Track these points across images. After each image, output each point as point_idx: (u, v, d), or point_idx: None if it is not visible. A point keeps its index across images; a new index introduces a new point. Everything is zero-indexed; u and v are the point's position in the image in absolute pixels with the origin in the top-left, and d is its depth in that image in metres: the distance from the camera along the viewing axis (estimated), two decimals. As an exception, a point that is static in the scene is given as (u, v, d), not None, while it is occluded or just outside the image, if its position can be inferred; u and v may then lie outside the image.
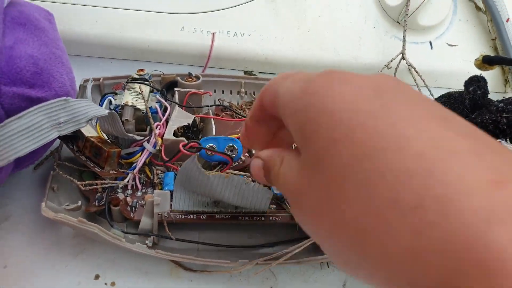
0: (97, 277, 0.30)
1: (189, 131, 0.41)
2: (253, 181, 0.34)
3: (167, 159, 0.35)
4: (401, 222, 0.13)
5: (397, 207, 0.13)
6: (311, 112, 0.17)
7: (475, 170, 0.13)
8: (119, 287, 0.30)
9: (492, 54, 0.49)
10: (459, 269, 0.12)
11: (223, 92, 0.45)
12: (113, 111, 0.32)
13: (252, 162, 0.22)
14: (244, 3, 0.47)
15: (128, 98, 0.38)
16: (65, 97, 0.30)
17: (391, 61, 0.45)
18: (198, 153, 0.30)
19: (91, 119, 0.32)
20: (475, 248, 0.12)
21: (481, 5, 0.52)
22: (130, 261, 0.31)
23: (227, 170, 0.34)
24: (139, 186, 0.34)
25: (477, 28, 0.50)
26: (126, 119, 0.36)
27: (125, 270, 0.31)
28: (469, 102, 0.35)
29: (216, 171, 0.33)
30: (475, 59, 0.41)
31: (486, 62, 0.38)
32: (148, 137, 0.36)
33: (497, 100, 0.34)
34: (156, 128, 0.36)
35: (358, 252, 0.15)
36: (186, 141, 0.36)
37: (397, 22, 0.49)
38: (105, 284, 0.30)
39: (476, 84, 0.35)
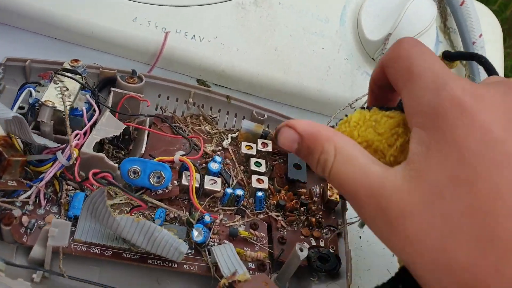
0: None
1: (119, 139, 0.36)
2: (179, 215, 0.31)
3: (80, 176, 0.30)
4: None
5: None
6: (439, 139, 0.17)
7: None
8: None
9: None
10: None
11: (168, 98, 0.41)
12: (18, 115, 0.27)
13: (283, 130, 0.21)
14: (209, 4, 0.42)
15: (51, 93, 0.33)
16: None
17: (356, 100, 0.41)
18: (108, 186, 0.26)
19: (-11, 121, 0.26)
20: None
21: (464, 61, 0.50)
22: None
23: (145, 211, 0.30)
24: (43, 202, 0.29)
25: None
26: (42, 120, 0.31)
27: None
28: None
29: (130, 211, 0.29)
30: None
31: (446, 58, 0.38)
32: (65, 145, 0.31)
33: None
34: (75, 137, 0.32)
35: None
36: (106, 158, 0.31)
37: (372, 58, 0.45)
38: (-28, 322, 0.25)
39: None
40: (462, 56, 0.37)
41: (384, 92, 0.23)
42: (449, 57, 0.36)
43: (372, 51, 0.45)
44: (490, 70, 0.28)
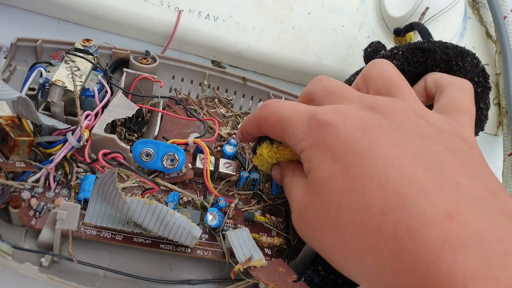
0: None
1: (131, 122, 0.35)
2: (189, 199, 0.29)
3: (90, 158, 0.29)
4: (385, 246, 0.17)
5: (381, 233, 0.17)
6: (317, 151, 0.21)
7: (436, 204, 0.17)
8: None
9: (494, 90, 0.45)
10: (424, 284, 0.16)
11: (182, 80, 0.39)
12: (23, 96, 0.26)
13: (274, 167, 0.29)
14: (225, -18, 0.40)
15: (62, 73, 0.32)
16: (-39, 70, 0.24)
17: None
18: (118, 167, 0.25)
19: (-5, 100, 0.26)
20: (433, 271, 0.15)
21: (492, 32, 0.47)
22: (20, 280, 0.26)
23: (158, 195, 0.29)
24: (53, 185, 0.28)
25: (482, 58, 0.44)
26: (52, 101, 0.30)
27: None
28: (364, 60, 0.36)
29: (142, 193, 0.28)
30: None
31: (397, 34, 0.40)
32: (75, 126, 0.30)
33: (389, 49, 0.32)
34: (86, 118, 0.30)
35: (357, 265, 0.19)
36: (118, 140, 0.30)
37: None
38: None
39: (369, 46, 0.35)
40: (406, 29, 0.38)
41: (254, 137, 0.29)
42: (397, 32, 0.39)
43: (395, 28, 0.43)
44: (424, 34, 0.33)
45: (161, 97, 0.36)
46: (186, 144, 0.33)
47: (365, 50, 0.35)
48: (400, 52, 0.29)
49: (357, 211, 0.19)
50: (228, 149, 0.33)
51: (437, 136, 0.21)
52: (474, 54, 0.30)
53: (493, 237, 0.16)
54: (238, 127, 0.36)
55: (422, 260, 0.16)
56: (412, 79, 0.30)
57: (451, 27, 0.42)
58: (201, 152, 0.33)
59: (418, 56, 0.29)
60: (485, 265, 0.15)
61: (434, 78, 0.28)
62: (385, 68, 0.25)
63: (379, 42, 0.34)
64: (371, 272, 0.18)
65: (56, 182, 0.29)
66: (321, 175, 0.21)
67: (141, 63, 0.36)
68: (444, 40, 0.31)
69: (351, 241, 0.19)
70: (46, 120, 0.29)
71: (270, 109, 0.25)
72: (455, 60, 0.29)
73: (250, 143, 0.34)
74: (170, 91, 0.39)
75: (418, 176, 0.18)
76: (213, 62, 0.42)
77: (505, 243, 0.15)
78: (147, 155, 0.29)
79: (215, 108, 0.39)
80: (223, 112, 0.39)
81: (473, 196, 0.17)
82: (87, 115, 0.31)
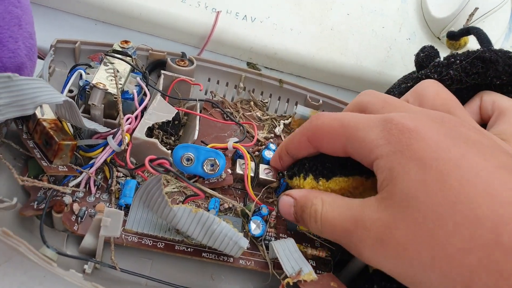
0: None
1: (169, 125, 0.35)
2: (230, 205, 0.29)
3: (133, 162, 0.29)
4: (505, 260, 0.16)
5: (501, 247, 0.16)
6: (399, 158, 0.19)
7: None
8: (41, 317, 0.24)
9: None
10: None
11: (218, 82, 0.39)
12: (69, 99, 0.25)
13: (282, 199, 0.25)
14: (262, -18, 0.39)
15: (101, 75, 0.31)
16: (9, 74, 0.23)
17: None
18: (165, 174, 0.24)
19: (40, 105, 0.25)
20: None
21: None
22: (64, 284, 0.25)
23: (198, 201, 0.28)
24: (93, 189, 0.28)
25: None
26: (93, 103, 0.30)
27: None
28: (416, 66, 0.34)
29: (184, 200, 0.27)
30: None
31: (450, 38, 0.37)
32: (115, 129, 0.30)
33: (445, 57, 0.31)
34: (127, 121, 0.30)
35: (466, 285, 0.17)
36: (159, 144, 0.29)
37: (438, 38, 0.41)
38: (25, 311, 0.24)
39: (421, 50, 0.33)
40: (461, 33, 0.36)
41: (292, 159, 0.28)
42: (451, 36, 0.37)
43: (437, 29, 0.41)
44: (483, 41, 0.31)
45: (199, 100, 0.35)
46: (225, 148, 0.32)
47: (417, 55, 0.33)
48: (458, 61, 0.28)
49: (463, 222, 0.17)
50: (267, 154, 0.32)
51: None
52: None
53: None
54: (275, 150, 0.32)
55: None
56: (468, 91, 0.28)
57: (497, 28, 0.41)
58: (240, 157, 0.32)
59: (478, 66, 0.27)
60: None
61: (493, 99, 0.26)
62: (442, 90, 0.25)
63: (432, 47, 0.32)
64: None
65: (96, 187, 0.28)
66: (410, 185, 0.19)
67: (179, 65, 0.36)
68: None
69: (459, 257, 0.17)
70: (88, 124, 0.28)
71: (327, 118, 0.23)
72: None
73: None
74: (205, 94, 0.39)
75: None
76: (248, 64, 0.41)
77: None
78: (188, 159, 0.29)
79: (250, 111, 0.39)
80: (259, 115, 0.38)
81: None
82: (128, 118, 0.30)
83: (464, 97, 0.29)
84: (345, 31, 0.40)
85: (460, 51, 0.32)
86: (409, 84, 0.31)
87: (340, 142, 0.23)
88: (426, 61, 0.31)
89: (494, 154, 0.19)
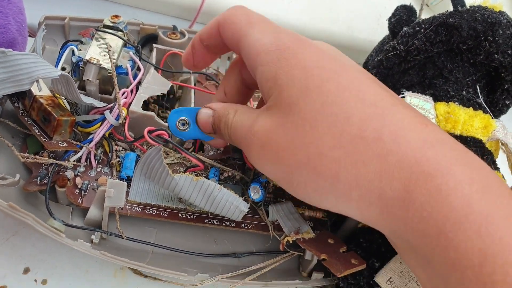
0: (26, 270, 0.25)
1: (164, 99, 0.35)
2: (230, 177, 0.29)
3: (131, 136, 0.29)
4: (368, 150, 0.18)
5: (364, 140, 0.18)
6: (285, 65, 0.20)
7: (409, 116, 0.19)
8: (50, 286, 0.25)
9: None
10: (413, 177, 0.18)
11: (211, 55, 0.39)
12: (66, 74, 0.26)
13: (200, 111, 0.25)
14: (250, -49, 0.39)
15: (94, 51, 0.31)
16: (3, 49, 0.23)
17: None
18: (164, 144, 0.24)
19: (37, 80, 0.25)
20: (419, 163, 0.18)
21: None
22: (70, 255, 0.26)
23: (198, 171, 0.29)
24: (94, 163, 0.29)
25: None
26: (87, 79, 0.30)
27: (62, 266, 0.26)
28: (389, 33, 0.32)
29: (185, 171, 0.28)
30: None
31: None
32: (112, 104, 0.30)
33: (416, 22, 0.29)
34: (122, 95, 0.30)
35: (333, 177, 0.19)
36: (156, 117, 0.30)
37: (427, 5, 0.41)
38: (35, 281, 0.25)
39: (392, 14, 0.32)
40: None
41: (205, 53, 0.26)
42: None
43: (427, -5, 0.41)
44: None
45: (193, 72, 0.35)
46: (222, 119, 0.32)
47: (389, 21, 0.32)
48: (423, 30, 0.27)
49: (335, 122, 0.19)
50: (263, 123, 0.33)
51: None
52: (509, 22, 0.28)
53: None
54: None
55: (408, 157, 0.18)
56: (438, 57, 0.28)
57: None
58: (236, 127, 0.32)
59: (442, 34, 0.27)
60: (457, 154, 0.18)
61: None
62: None
63: (404, 8, 0.31)
64: (351, 180, 0.18)
65: (96, 161, 0.29)
66: (292, 93, 0.20)
67: (170, 38, 0.36)
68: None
69: (329, 153, 0.19)
70: (85, 99, 0.29)
71: (240, 10, 0.23)
72: (484, 35, 0.27)
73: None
74: (198, 67, 0.39)
75: (388, 96, 0.20)
76: (240, 35, 0.41)
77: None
78: (183, 124, 0.29)
79: (244, 83, 0.39)
80: (252, 86, 0.39)
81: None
82: (123, 93, 0.30)
83: (434, 63, 0.29)
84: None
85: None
86: (379, 58, 0.30)
87: (238, 36, 0.23)
88: (397, 27, 0.31)
89: (365, 72, 0.22)
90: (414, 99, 0.28)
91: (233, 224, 0.28)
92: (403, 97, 0.28)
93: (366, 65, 0.36)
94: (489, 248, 0.16)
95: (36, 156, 0.27)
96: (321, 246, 0.24)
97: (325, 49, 0.22)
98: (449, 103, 0.28)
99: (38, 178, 0.27)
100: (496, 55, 0.28)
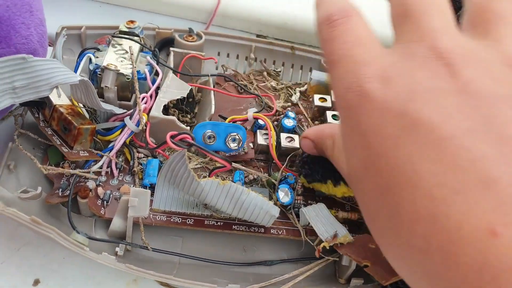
0: (36, 283, 0.24)
1: (183, 103, 0.34)
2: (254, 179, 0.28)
3: (152, 142, 0.28)
4: (418, 263, 0.14)
5: (412, 249, 0.14)
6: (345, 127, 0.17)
7: (476, 213, 0.12)
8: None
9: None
10: None
11: (228, 56, 0.38)
12: (85, 79, 0.25)
13: (302, 142, 0.26)
14: None
15: (111, 57, 0.30)
16: (23, 55, 0.23)
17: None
18: (188, 148, 0.23)
19: (56, 86, 0.25)
20: None
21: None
22: (82, 266, 0.25)
23: (223, 174, 0.28)
24: (115, 172, 0.28)
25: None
26: (106, 86, 0.29)
27: (73, 277, 0.25)
28: None
29: (210, 173, 0.27)
30: None
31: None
32: (132, 110, 0.29)
33: None
34: (142, 100, 0.29)
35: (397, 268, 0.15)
36: (178, 121, 0.29)
37: None
38: (45, 292, 0.24)
39: None
40: None
41: None
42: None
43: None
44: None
45: (211, 75, 0.34)
46: (245, 120, 0.31)
47: None
48: None
49: (388, 217, 0.14)
50: (287, 122, 0.32)
51: None
52: None
53: None
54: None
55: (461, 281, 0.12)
56: None
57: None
58: (260, 127, 0.31)
59: None
60: None
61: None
62: None
63: None
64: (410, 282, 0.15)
65: (118, 170, 0.28)
66: (354, 161, 0.16)
67: (187, 41, 0.35)
68: None
69: (390, 247, 0.15)
70: (105, 105, 0.28)
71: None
72: None
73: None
74: (216, 69, 0.38)
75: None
76: (258, 36, 0.40)
77: None
78: (209, 137, 0.28)
79: (264, 82, 0.38)
80: (274, 85, 0.37)
81: None
82: (143, 98, 0.29)
83: None
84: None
85: None
86: None
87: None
88: None
89: (471, 111, 0.14)
90: None
91: (263, 230, 0.26)
92: None
93: None
94: None
95: (59, 168, 0.26)
96: (361, 251, 0.22)
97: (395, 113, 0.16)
98: None
99: (60, 190, 0.26)
100: None
